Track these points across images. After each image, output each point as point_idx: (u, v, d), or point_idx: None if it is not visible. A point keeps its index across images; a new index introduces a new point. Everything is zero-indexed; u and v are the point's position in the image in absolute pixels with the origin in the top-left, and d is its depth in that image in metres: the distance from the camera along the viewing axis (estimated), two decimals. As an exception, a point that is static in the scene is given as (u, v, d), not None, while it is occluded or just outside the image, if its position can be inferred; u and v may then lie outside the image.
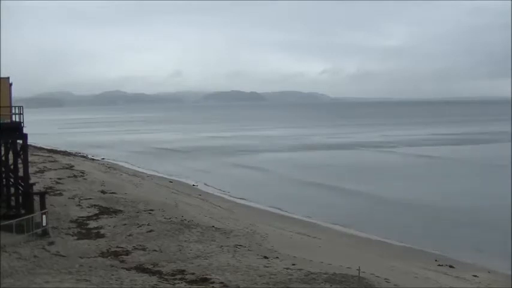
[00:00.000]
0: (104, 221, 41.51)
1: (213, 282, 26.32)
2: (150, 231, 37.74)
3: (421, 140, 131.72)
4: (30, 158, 53.96)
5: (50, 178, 62.43)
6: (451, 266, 35.70)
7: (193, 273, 27.84)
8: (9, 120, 38.66)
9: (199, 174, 79.87)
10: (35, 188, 42.31)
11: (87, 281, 25.70)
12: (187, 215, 44.05)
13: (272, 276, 27.35)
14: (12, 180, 40.52)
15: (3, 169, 41.79)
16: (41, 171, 68.08)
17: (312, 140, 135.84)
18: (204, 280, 26.73)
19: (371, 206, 56.29)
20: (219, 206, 53.82)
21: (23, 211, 37.76)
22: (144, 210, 45.02)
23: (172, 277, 27.27)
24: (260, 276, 27.39)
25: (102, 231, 38.25)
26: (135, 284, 25.64)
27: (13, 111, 39.31)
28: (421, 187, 67.78)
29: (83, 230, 38.59)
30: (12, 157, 40.77)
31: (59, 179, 62.48)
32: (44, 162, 79.01)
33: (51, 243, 33.83)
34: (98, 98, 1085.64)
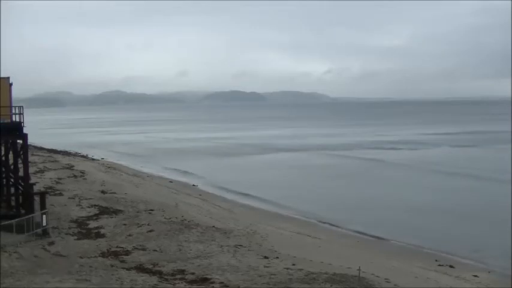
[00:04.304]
0: (104, 221, 41.56)
1: (213, 282, 26.35)
2: (150, 231, 37.77)
3: (418, 140, 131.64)
4: (30, 158, 54.06)
5: (50, 178, 62.49)
6: (451, 266, 35.69)
7: (193, 273, 27.88)
8: (9, 120, 38.66)
9: (199, 174, 79.84)
10: (35, 188, 42.32)
11: (87, 281, 25.72)
12: (188, 215, 44.08)
13: (272, 276, 27.36)
14: (12, 180, 40.53)
15: (3, 169, 41.80)
16: (41, 171, 68.13)
17: (309, 141, 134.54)
18: (204, 280, 26.77)
19: (376, 208, 56.27)
20: (219, 206, 53.84)
21: (23, 211, 37.77)
22: (144, 210, 45.05)
23: (173, 277, 27.30)
24: (260, 276, 27.41)
25: (102, 231, 38.30)
26: (136, 284, 25.66)
27: (13, 111, 39.30)
28: (420, 189, 67.78)
29: (83, 230, 38.64)
30: (12, 157, 40.80)
31: (59, 179, 62.54)
32: (44, 162, 79.08)
33: (51, 243, 33.87)
34: (99, 98, 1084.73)
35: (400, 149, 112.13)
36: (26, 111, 40.80)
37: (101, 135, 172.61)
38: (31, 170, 52.61)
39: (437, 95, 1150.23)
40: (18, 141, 40.16)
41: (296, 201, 58.35)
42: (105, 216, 43.21)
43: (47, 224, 36.07)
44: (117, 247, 33.63)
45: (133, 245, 34.23)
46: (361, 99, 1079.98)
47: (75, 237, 36.25)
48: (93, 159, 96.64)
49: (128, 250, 32.92)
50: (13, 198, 40.26)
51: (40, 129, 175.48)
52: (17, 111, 39.39)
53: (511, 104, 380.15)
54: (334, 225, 47.98)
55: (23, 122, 39.11)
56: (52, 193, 51.24)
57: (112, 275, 27.05)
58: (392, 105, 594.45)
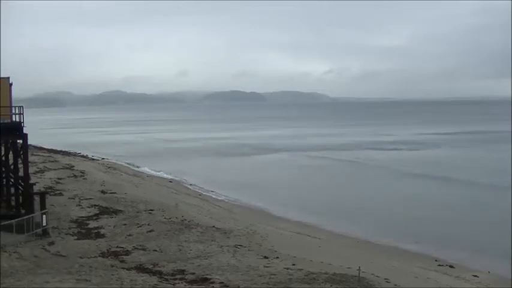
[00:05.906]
0: (104, 221, 41.56)
1: (213, 282, 26.35)
2: (150, 231, 37.77)
3: (418, 140, 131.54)
4: (30, 158, 54.06)
5: (50, 178, 62.49)
6: (451, 266, 35.73)
7: (193, 273, 27.88)
8: (9, 120, 38.66)
9: (199, 174, 79.85)
10: (35, 188, 42.34)
11: (87, 281, 25.72)
12: (188, 215, 44.08)
13: (272, 276, 27.36)
14: (12, 180, 40.54)
15: (3, 169, 41.82)
16: (41, 171, 68.14)
17: (308, 141, 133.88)
18: (204, 280, 26.76)
19: (376, 208, 56.28)
20: (219, 206, 53.88)
21: (23, 211, 37.77)
22: (144, 210, 45.06)
23: (173, 277, 27.30)
24: (260, 276, 27.40)
25: (102, 231, 38.30)
26: (136, 284, 25.65)
27: (13, 111, 39.30)
28: (420, 190, 67.77)
29: (83, 230, 38.64)
30: (12, 157, 40.81)
31: (59, 179, 62.55)
32: (44, 162, 79.09)
33: (51, 243, 33.88)
34: (99, 98, 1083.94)
35: (400, 149, 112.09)
36: (26, 111, 40.75)
37: (101, 135, 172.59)
38: (31, 170, 52.61)
39: (437, 95, 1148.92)
40: (18, 141, 40.16)
41: (296, 201, 58.42)
42: (105, 216, 43.21)
43: (47, 224, 36.07)
44: (117, 247, 33.62)
45: (133, 245, 34.23)
46: (361, 99, 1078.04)
47: (75, 237, 36.25)
48: (93, 159, 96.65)
49: (128, 250, 32.91)
50: (13, 198, 40.24)
51: (40, 129, 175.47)
52: (17, 111, 39.38)
53: (511, 104, 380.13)
54: (334, 225, 47.97)
55: (23, 122, 39.10)
56: (52, 193, 51.24)
57: (112, 275, 27.04)
58: (392, 105, 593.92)
